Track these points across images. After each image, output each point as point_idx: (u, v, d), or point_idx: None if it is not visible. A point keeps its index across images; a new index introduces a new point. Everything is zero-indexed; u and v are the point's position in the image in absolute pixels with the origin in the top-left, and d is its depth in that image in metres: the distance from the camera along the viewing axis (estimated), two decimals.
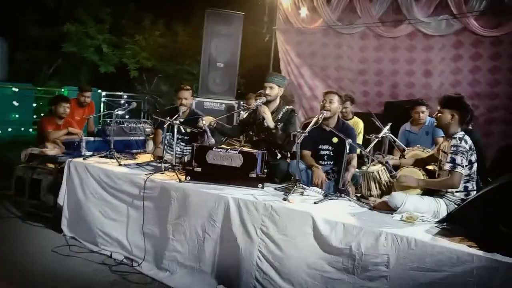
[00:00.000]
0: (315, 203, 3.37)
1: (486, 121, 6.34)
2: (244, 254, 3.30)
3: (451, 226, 2.94)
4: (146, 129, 5.45)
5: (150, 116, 6.95)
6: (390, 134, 4.33)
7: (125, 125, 5.31)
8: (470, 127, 4.56)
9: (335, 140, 4.22)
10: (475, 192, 3.25)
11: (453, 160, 3.19)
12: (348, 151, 3.62)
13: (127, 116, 9.13)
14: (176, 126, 4.23)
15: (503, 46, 6.15)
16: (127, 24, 12.60)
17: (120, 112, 4.98)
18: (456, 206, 3.17)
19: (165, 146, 4.61)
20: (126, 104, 7.54)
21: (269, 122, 4.19)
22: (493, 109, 6.30)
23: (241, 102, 7.52)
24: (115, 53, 12.24)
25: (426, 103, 5.24)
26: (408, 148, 4.58)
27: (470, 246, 2.62)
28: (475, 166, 3.30)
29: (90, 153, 4.67)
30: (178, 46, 12.49)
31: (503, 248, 2.49)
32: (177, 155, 4.49)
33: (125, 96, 9.82)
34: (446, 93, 3.56)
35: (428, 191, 3.46)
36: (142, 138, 5.32)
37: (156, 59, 11.99)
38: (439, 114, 3.42)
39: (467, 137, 3.28)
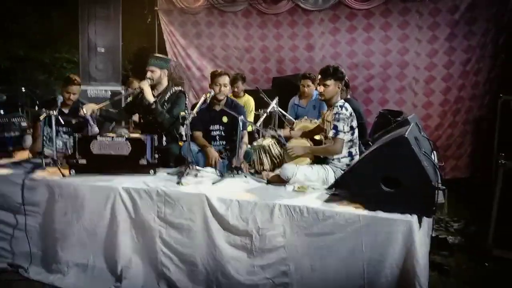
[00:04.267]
0: (213, 183, 3.35)
1: (364, 90, 6.76)
2: (144, 243, 3.21)
3: (339, 191, 3.10)
4: (22, 124, 4.96)
5: (26, 110, 6.36)
6: (279, 108, 4.44)
7: None
8: (349, 97, 4.85)
9: (225, 119, 4.22)
10: (358, 156, 3.46)
11: (335, 127, 3.34)
12: (240, 128, 3.63)
13: (1, 112, 8.23)
14: (54, 118, 3.89)
15: (374, 17, 6.55)
16: None
17: None
18: (342, 172, 3.34)
19: (45, 140, 4.23)
20: None
21: (148, 96, 4.04)
22: (370, 78, 6.73)
23: (128, 88, 7.19)
24: None
25: (312, 77, 5.43)
26: (297, 120, 4.74)
27: (356, 208, 2.79)
28: (356, 131, 3.49)
29: None
30: (54, 32, 11.51)
31: (385, 206, 2.69)
32: (59, 149, 4.16)
33: None
34: (324, 66, 3.62)
35: (317, 161, 3.61)
36: (17, 134, 4.83)
37: (29, 47, 10.94)
38: (325, 87, 3.47)
39: (347, 105, 3.44)
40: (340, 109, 3.38)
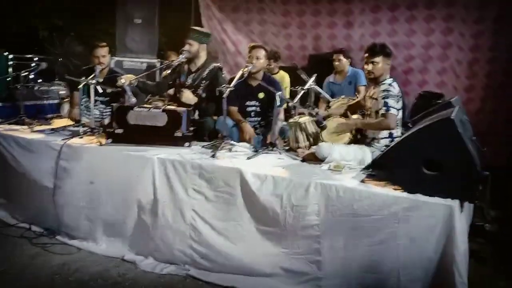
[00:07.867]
0: (248, 158, 3.32)
1: (403, 71, 6.54)
2: (176, 215, 3.20)
3: (376, 171, 3.00)
4: (61, 92, 5.06)
5: (64, 78, 6.43)
6: (316, 86, 4.34)
7: (37, 88, 4.88)
8: None
9: (261, 95, 4.18)
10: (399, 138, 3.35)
11: (386, 104, 3.23)
12: (278, 104, 3.57)
13: (40, 80, 8.40)
14: (93, 87, 3.93)
15: None
16: None
17: (30, 76, 4.56)
18: (380, 153, 3.25)
19: (83, 109, 4.30)
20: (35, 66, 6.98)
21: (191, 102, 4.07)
22: (410, 59, 6.50)
23: (165, 61, 7.19)
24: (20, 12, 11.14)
25: (344, 51, 5.32)
26: (333, 99, 4.64)
27: (394, 189, 2.71)
28: (400, 113, 3.38)
29: None
30: (92, 3, 11.63)
31: (425, 189, 2.60)
32: (96, 118, 4.22)
33: (36, 59, 9.01)
34: (371, 43, 3.51)
35: (354, 140, 3.53)
36: (56, 101, 4.93)
37: (67, 18, 11.09)
38: (374, 65, 3.35)
39: (395, 83, 3.33)
40: (389, 86, 3.27)
